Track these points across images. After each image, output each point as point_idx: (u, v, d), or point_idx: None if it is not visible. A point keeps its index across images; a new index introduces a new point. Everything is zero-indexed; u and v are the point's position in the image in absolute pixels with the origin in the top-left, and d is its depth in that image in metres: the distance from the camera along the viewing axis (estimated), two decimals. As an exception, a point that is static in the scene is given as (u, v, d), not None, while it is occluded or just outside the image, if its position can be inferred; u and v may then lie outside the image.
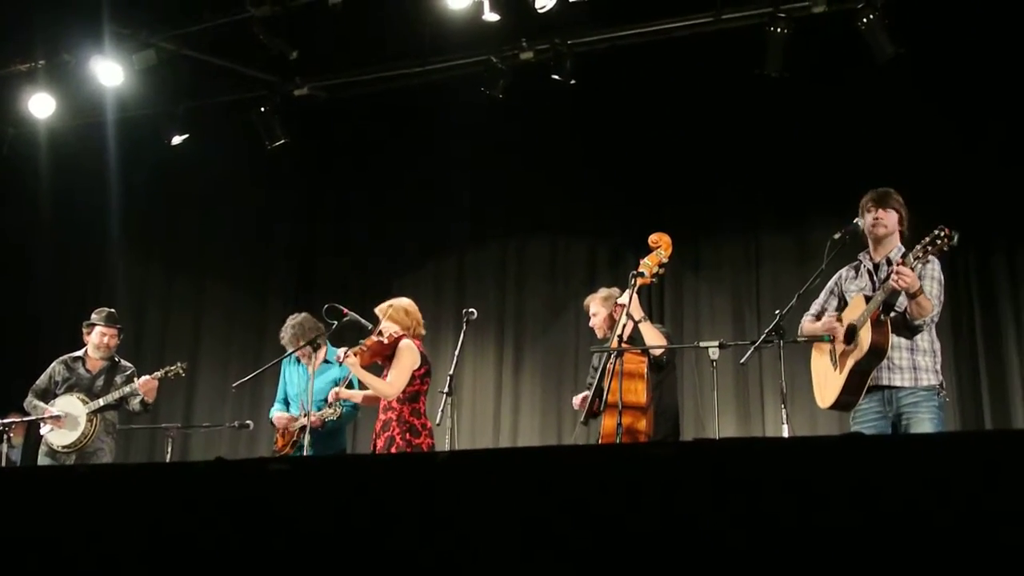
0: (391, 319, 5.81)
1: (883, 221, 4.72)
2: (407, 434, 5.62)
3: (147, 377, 6.73)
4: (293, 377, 6.59)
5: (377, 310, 5.94)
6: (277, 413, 6.55)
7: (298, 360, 6.52)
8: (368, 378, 5.72)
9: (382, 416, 5.72)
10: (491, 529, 2.01)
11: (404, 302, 5.97)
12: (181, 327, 9.60)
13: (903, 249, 4.66)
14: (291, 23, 7.51)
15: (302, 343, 6.26)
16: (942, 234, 4.23)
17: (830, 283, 4.97)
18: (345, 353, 5.69)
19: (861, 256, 4.88)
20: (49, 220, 9.52)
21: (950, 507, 1.75)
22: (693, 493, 1.89)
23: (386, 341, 5.73)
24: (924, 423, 4.49)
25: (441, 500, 2.10)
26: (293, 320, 6.55)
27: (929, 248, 4.27)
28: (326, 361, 6.51)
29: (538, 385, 8.62)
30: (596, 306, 5.75)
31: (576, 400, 5.74)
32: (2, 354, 9.10)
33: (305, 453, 5.82)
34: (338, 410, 6.17)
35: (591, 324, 5.79)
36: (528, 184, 8.82)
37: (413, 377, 5.71)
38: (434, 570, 2.03)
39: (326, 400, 6.28)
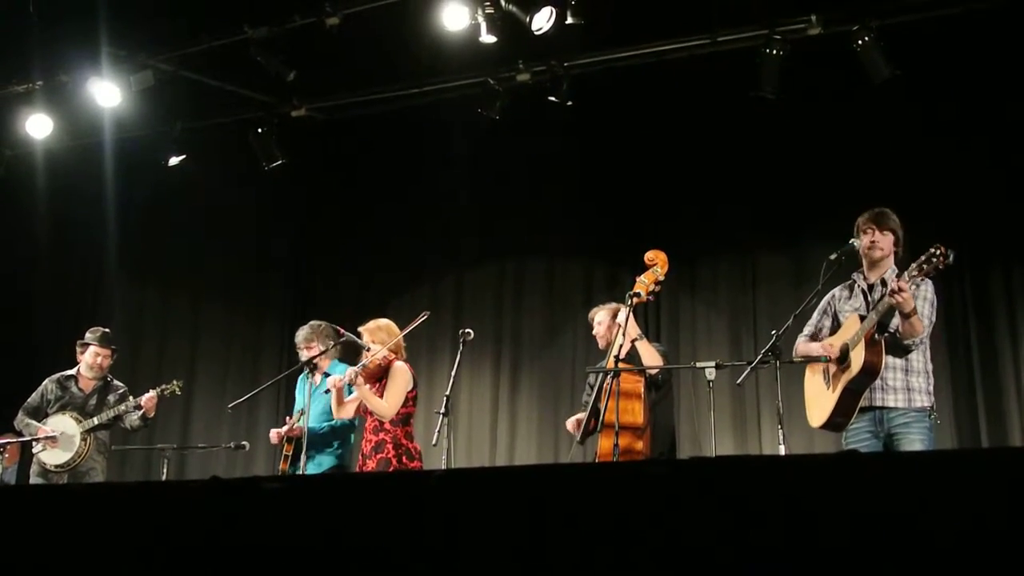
0: (381, 342, 5.80)
1: (879, 244, 4.73)
2: (403, 457, 5.63)
3: (151, 393, 6.73)
4: (304, 391, 6.53)
5: (364, 330, 5.92)
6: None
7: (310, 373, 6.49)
8: (371, 398, 5.70)
9: (372, 437, 5.70)
10: (486, 548, 2.01)
11: (390, 324, 5.95)
12: (178, 348, 9.58)
13: (897, 270, 4.66)
14: (288, 44, 7.53)
15: (313, 349, 6.27)
16: (938, 252, 4.25)
17: (822, 303, 4.97)
18: (357, 374, 5.66)
19: (855, 275, 4.87)
20: (46, 240, 9.50)
21: (946, 525, 1.74)
22: (689, 511, 1.89)
23: (383, 363, 5.74)
24: (915, 444, 4.50)
25: (435, 519, 2.09)
26: (313, 323, 6.56)
27: (925, 267, 4.28)
28: (325, 374, 6.48)
29: (535, 405, 8.60)
30: (602, 315, 5.73)
31: (570, 423, 5.72)
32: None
33: (302, 464, 5.80)
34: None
35: (594, 332, 5.77)
36: (525, 205, 8.83)
37: (406, 399, 5.73)
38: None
39: (326, 413, 6.25)
